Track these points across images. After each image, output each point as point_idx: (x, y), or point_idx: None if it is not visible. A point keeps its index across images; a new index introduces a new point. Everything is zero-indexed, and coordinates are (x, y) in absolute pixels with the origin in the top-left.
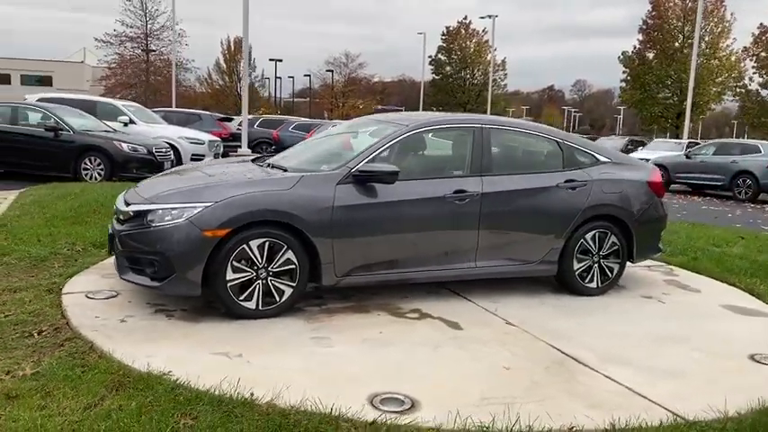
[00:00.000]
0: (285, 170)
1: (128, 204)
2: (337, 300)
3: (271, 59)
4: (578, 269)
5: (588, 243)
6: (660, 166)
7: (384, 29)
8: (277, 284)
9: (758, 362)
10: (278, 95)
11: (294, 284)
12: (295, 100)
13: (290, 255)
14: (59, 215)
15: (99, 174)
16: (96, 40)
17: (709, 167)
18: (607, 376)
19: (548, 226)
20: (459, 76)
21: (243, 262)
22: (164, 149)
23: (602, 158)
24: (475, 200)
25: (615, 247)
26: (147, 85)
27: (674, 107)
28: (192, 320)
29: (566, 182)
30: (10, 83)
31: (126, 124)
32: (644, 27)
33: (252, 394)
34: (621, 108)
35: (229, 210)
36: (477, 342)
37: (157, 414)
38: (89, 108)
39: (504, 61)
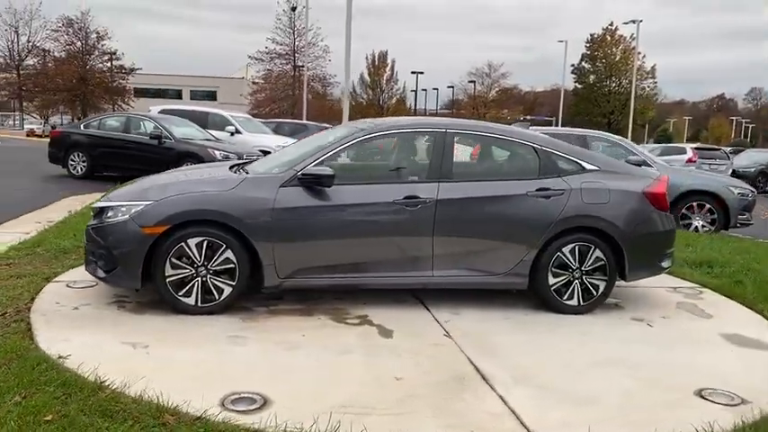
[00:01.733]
0: (247, 173)
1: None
2: (291, 302)
3: (413, 72)
4: (555, 284)
5: (566, 257)
6: None
7: (539, 38)
8: (216, 283)
9: (703, 398)
10: (424, 108)
11: (234, 283)
12: (438, 111)
13: (228, 254)
14: None
15: None
16: (249, 57)
17: None
18: (501, 397)
19: (515, 236)
20: (604, 84)
21: (183, 259)
22: (255, 157)
23: (588, 166)
24: (428, 206)
25: (600, 263)
26: (293, 99)
27: None
28: (139, 312)
29: (538, 190)
30: (181, 97)
31: (232, 134)
32: None
33: (105, 381)
34: None
35: (167, 208)
36: (392, 351)
37: (7, 384)
38: (202, 118)
39: (653, 68)
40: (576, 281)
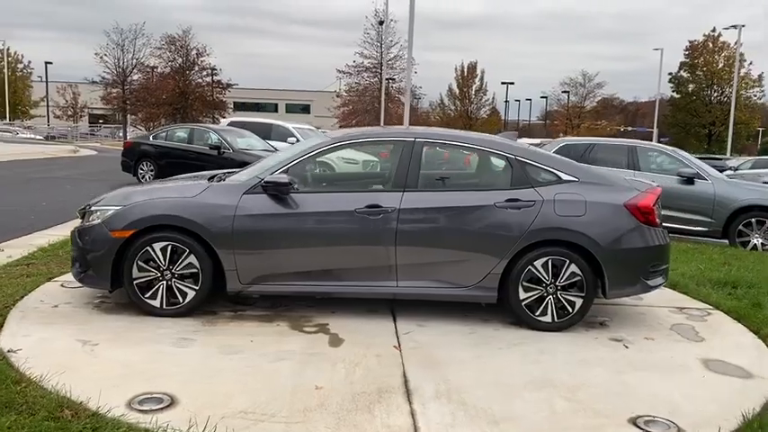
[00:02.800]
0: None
1: None
2: (261, 308)
3: (503, 83)
4: (526, 299)
5: (538, 271)
6: None
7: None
8: (180, 286)
9: (636, 425)
10: (516, 119)
11: (197, 288)
12: (531, 123)
13: (192, 259)
14: None
15: None
16: (338, 71)
17: None
18: (413, 412)
19: (482, 248)
20: (705, 94)
21: (149, 263)
22: None
23: (565, 177)
24: (390, 215)
25: (576, 278)
26: (378, 111)
27: None
28: (109, 312)
29: (507, 201)
30: (277, 111)
31: (293, 144)
32: None
33: (29, 374)
34: None
35: (133, 213)
36: (329, 360)
37: None
38: (266, 130)
39: (761, 76)
40: (550, 296)
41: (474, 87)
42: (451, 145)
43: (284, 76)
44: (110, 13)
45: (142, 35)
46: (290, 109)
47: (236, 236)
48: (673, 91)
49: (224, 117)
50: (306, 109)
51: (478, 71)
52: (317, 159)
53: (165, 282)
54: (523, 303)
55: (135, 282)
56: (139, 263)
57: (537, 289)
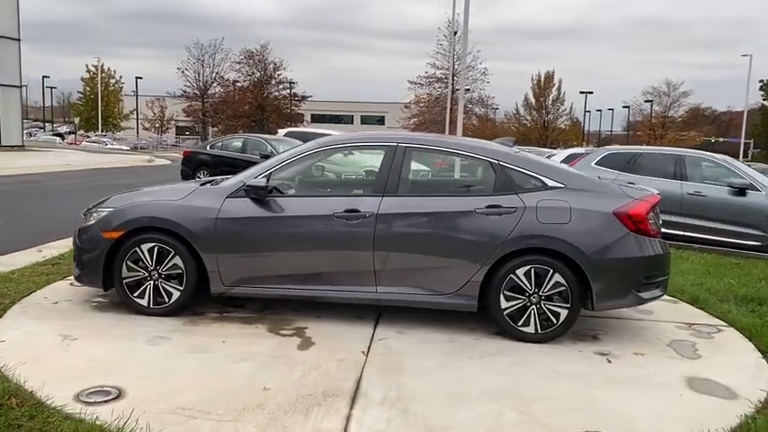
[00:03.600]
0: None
1: None
2: (249, 310)
3: (581, 92)
4: (507, 309)
5: (520, 279)
6: None
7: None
8: (166, 287)
9: None
10: (598, 129)
11: (182, 288)
12: (613, 132)
13: (177, 260)
14: None
15: None
16: (409, 81)
17: None
18: (348, 417)
19: (461, 255)
20: None
21: (138, 263)
22: None
23: (552, 183)
24: (368, 220)
25: (560, 288)
26: (450, 122)
27: None
28: (102, 310)
29: (487, 207)
30: (353, 122)
31: (345, 154)
32: None
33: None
34: None
35: (123, 215)
36: (289, 363)
37: None
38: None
39: None
40: (533, 306)
41: (551, 97)
42: (435, 150)
43: (363, 89)
44: (198, 30)
45: (221, 50)
46: (366, 120)
47: (218, 238)
48: (764, 99)
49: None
50: (381, 120)
51: (556, 80)
52: (309, 163)
53: (152, 282)
54: (505, 313)
55: (124, 281)
56: (128, 263)
57: (519, 298)
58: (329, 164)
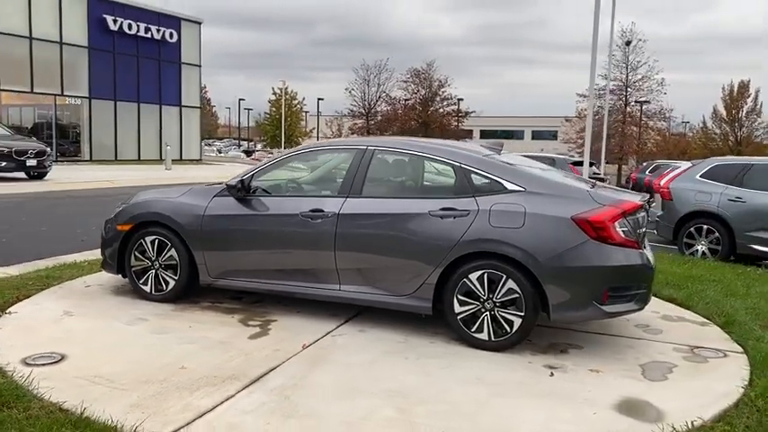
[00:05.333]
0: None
1: None
2: (240, 302)
3: None
4: (461, 314)
5: (473, 284)
6: None
7: None
8: (164, 276)
9: None
10: None
11: (176, 278)
12: None
13: (172, 252)
14: None
15: None
16: (578, 95)
17: None
18: (228, 398)
19: (416, 257)
20: None
21: (144, 253)
22: None
23: (511, 187)
24: (329, 220)
25: (514, 296)
26: (621, 135)
27: None
28: (118, 294)
29: (441, 209)
30: (523, 137)
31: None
32: None
33: None
34: None
35: (132, 210)
36: (224, 349)
37: None
38: None
39: None
40: (487, 313)
41: (745, 109)
42: (401, 152)
43: (539, 104)
44: (380, 52)
45: (386, 69)
46: (537, 135)
47: (203, 233)
48: None
49: None
50: (554, 135)
51: (752, 90)
52: (287, 166)
53: (153, 270)
54: (459, 317)
55: (132, 269)
56: (136, 253)
57: (473, 304)
58: (307, 167)
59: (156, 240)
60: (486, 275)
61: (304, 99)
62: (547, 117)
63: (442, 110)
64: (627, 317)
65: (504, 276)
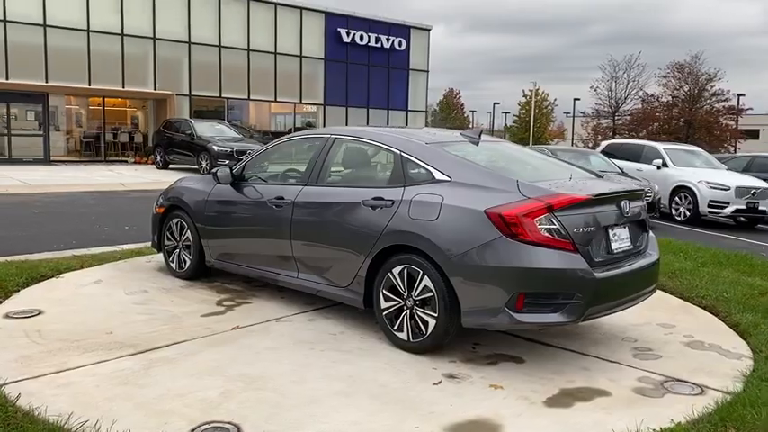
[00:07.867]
0: None
1: None
2: (239, 284)
3: None
4: (387, 310)
5: (395, 279)
6: None
7: None
8: (184, 255)
9: None
10: None
11: (191, 257)
12: None
13: (188, 234)
14: None
15: None
16: None
17: None
18: (105, 361)
19: (347, 248)
20: None
21: (173, 234)
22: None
23: (439, 176)
24: (287, 207)
25: (428, 294)
26: None
27: None
28: (159, 270)
29: (373, 199)
30: (758, 138)
31: (659, 167)
32: None
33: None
34: None
35: (166, 195)
36: (170, 323)
37: None
38: (637, 152)
39: None
40: (407, 311)
41: None
42: (355, 141)
43: None
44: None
45: (637, 65)
46: None
47: (206, 217)
48: None
49: (729, 147)
50: (754, 134)
51: None
52: (271, 155)
53: (177, 250)
54: (384, 314)
55: (165, 248)
56: (167, 234)
57: (395, 300)
58: (294, 157)
59: (179, 223)
60: (406, 270)
61: (555, 100)
62: (754, 115)
63: (709, 107)
64: (631, 333)
65: (421, 273)
